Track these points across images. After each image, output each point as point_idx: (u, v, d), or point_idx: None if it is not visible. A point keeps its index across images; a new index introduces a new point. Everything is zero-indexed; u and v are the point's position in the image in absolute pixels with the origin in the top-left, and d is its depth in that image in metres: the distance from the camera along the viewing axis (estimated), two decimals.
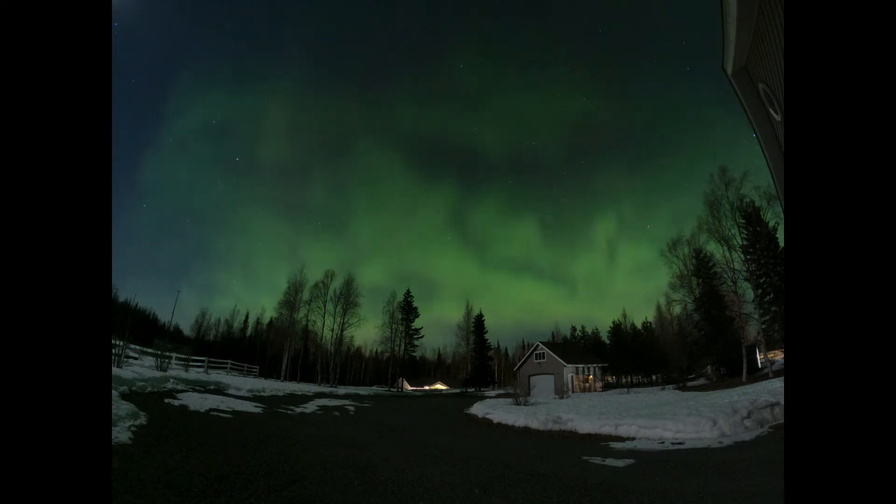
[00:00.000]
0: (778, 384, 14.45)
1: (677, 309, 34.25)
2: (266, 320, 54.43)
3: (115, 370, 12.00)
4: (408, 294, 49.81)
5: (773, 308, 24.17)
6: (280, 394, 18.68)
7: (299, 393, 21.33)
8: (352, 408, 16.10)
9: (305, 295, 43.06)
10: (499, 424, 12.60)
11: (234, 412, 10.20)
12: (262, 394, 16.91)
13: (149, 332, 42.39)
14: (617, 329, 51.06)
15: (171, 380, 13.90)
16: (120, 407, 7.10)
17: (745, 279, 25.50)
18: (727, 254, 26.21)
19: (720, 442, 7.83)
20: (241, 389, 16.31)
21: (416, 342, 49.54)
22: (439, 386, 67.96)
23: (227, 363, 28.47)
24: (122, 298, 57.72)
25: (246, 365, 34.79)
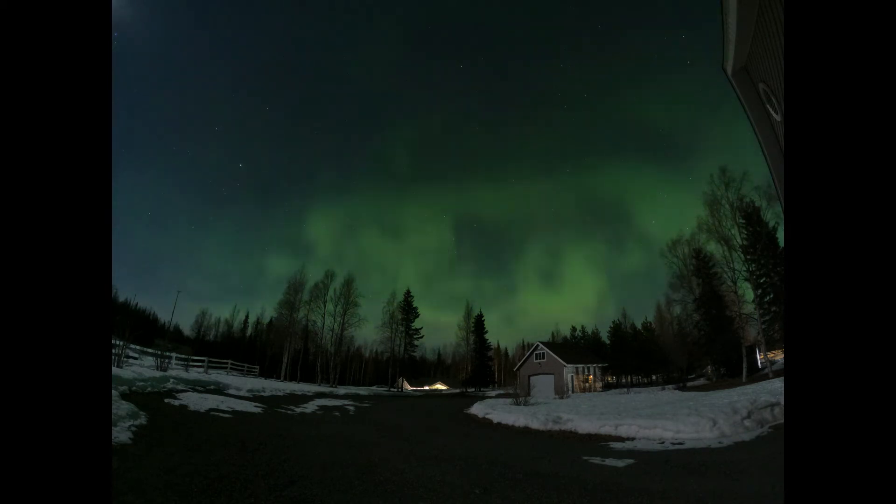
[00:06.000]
0: (778, 384, 14.45)
1: (677, 309, 34.29)
2: (266, 320, 54.50)
3: (115, 370, 11.99)
4: (408, 294, 49.85)
5: (773, 308, 24.16)
6: (280, 394, 18.67)
7: (299, 393, 21.33)
8: (352, 408, 16.10)
9: (305, 295, 43.12)
10: (499, 424, 12.60)
11: (234, 412, 10.20)
12: (262, 394, 16.91)
13: (149, 332, 42.44)
14: (617, 329, 51.05)
15: (171, 380, 13.90)
16: (120, 407, 7.10)
17: (745, 279, 25.50)
18: (727, 254, 26.23)
19: (720, 442, 7.83)
20: (241, 389, 16.30)
21: (416, 342, 49.55)
22: (439, 386, 67.95)
23: (227, 363, 28.47)
24: (122, 298, 57.90)
25: (246, 365, 34.80)
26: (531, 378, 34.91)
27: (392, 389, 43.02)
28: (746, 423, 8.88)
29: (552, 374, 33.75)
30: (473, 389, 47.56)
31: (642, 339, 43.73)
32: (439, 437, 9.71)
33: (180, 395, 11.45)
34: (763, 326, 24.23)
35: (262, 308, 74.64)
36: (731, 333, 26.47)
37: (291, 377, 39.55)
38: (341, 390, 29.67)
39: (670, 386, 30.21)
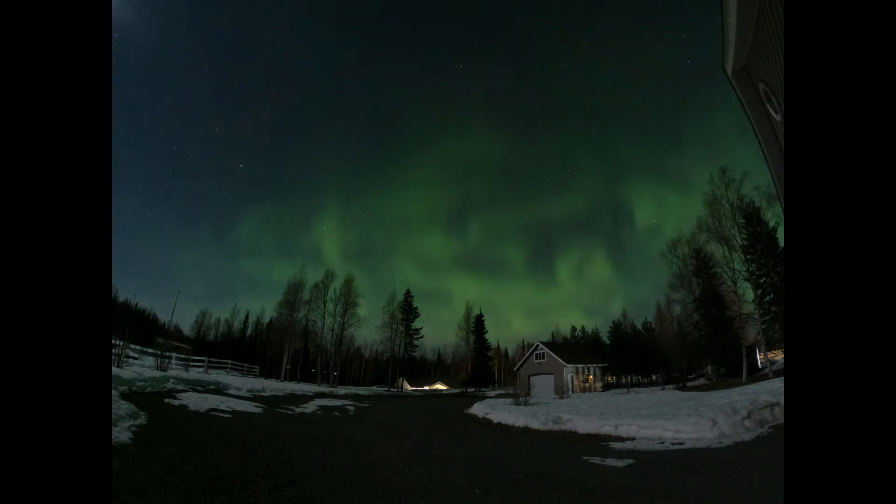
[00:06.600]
0: (778, 384, 14.44)
1: (677, 309, 34.29)
2: (266, 320, 54.48)
3: (115, 370, 12.00)
4: (408, 294, 49.85)
5: (773, 308, 24.15)
6: (280, 394, 18.67)
7: (299, 393, 21.33)
8: (352, 408, 16.09)
9: (305, 295, 43.11)
10: (499, 424, 12.60)
11: (234, 412, 10.20)
12: (262, 394, 16.91)
13: (149, 332, 42.51)
14: (617, 329, 51.07)
15: (171, 380, 13.90)
16: (120, 407, 7.10)
17: (745, 279, 25.49)
18: (727, 254, 26.22)
19: (720, 442, 7.83)
20: (241, 389, 16.30)
21: (416, 342, 49.55)
22: (439, 386, 67.95)
23: (227, 363, 28.47)
24: (122, 298, 57.92)
25: (246, 365, 34.80)
26: (531, 378, 34.90)
27: (392, 389, 43.01)
28: (746, 423, 8.88)
29: (552, 374, 33.74)
30: (473, 389, 47.55)
31: (642, 339, 43.75)
32: (439, 436, 9.71)
33: (180, 395, 11.45)
34: (763, 326, 24.22)
35: (262, 308, 74.47)
36: (731, 333, 26.46)
37: (291, 377, 39.55)
38: (341, 390, 29.67)
39: (670, 386, 30.23)
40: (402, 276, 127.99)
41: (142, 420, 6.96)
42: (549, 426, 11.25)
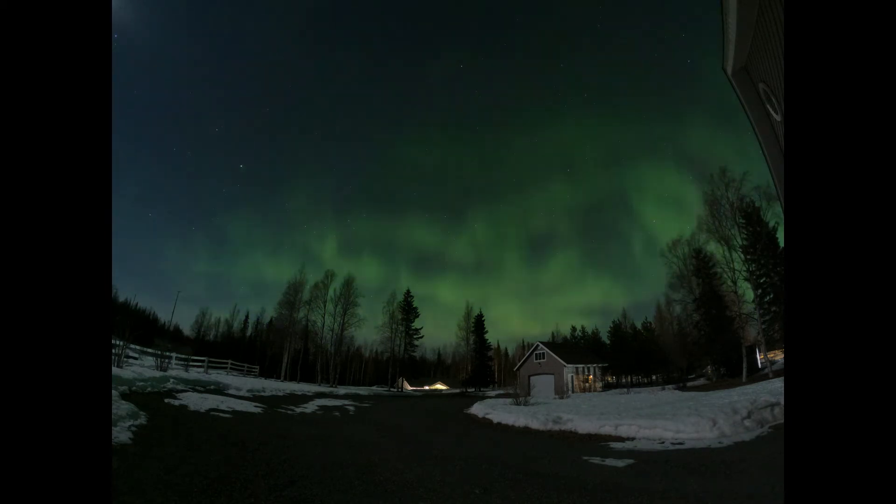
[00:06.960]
0: (778, 384, 14.44)
1: (677, 309, 34.28)
2: (266, 320, 54.47)
3: (115, 370, 12.00)
4: (408, 294, 49.87)
5: (773, 308, 24.15)
6: (280, 394, 18.68)
7: (299, 393, 21.34)
8: (352, 408, 16.10)
9: (305, 295, 43.13)
10: (499, 424, 12.60)
11: (234, 412, 10.20)
12: (262, 394, 16.91)
13: (149, 332, 42.50)
14: (617, 329, 51.06)
15: (171, 380, 13.90)
16: (120, 407, 7.10)
17: (745, 279, 25.48)
18: (727, 254, 26.22)
19: (720, 442, 7.83)
20: (241, 389, 16.31)
21: (416, 342, 49.55)
22: (439, 386, 67.97)
23: (227, 363, 28.47)
24: (122, 298, 57.98)
25: (246, 365, 34.79)
26: (531, 378, 34.91)
27: (392, 389, 43.02)
28: (746, 423, 8.88)
29: (552, 374, 33.75)
30: (473, 389, 47.55)
31: (642, 339, 43.73)
32: (439, 436, 9.71)
33: (180, 395, 11.45)
34: (763, 326, 24.21)
35: (262, 308, 74.37)
36: (731, 333, 26.45)
37: (291, 377, 39.54)
38: (341, 390, 29.67)
39: (670, 386, 30.22)
40: (402, 275, 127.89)
41: (142, 420, 6.96)
42: (549, 426, 11.25)
